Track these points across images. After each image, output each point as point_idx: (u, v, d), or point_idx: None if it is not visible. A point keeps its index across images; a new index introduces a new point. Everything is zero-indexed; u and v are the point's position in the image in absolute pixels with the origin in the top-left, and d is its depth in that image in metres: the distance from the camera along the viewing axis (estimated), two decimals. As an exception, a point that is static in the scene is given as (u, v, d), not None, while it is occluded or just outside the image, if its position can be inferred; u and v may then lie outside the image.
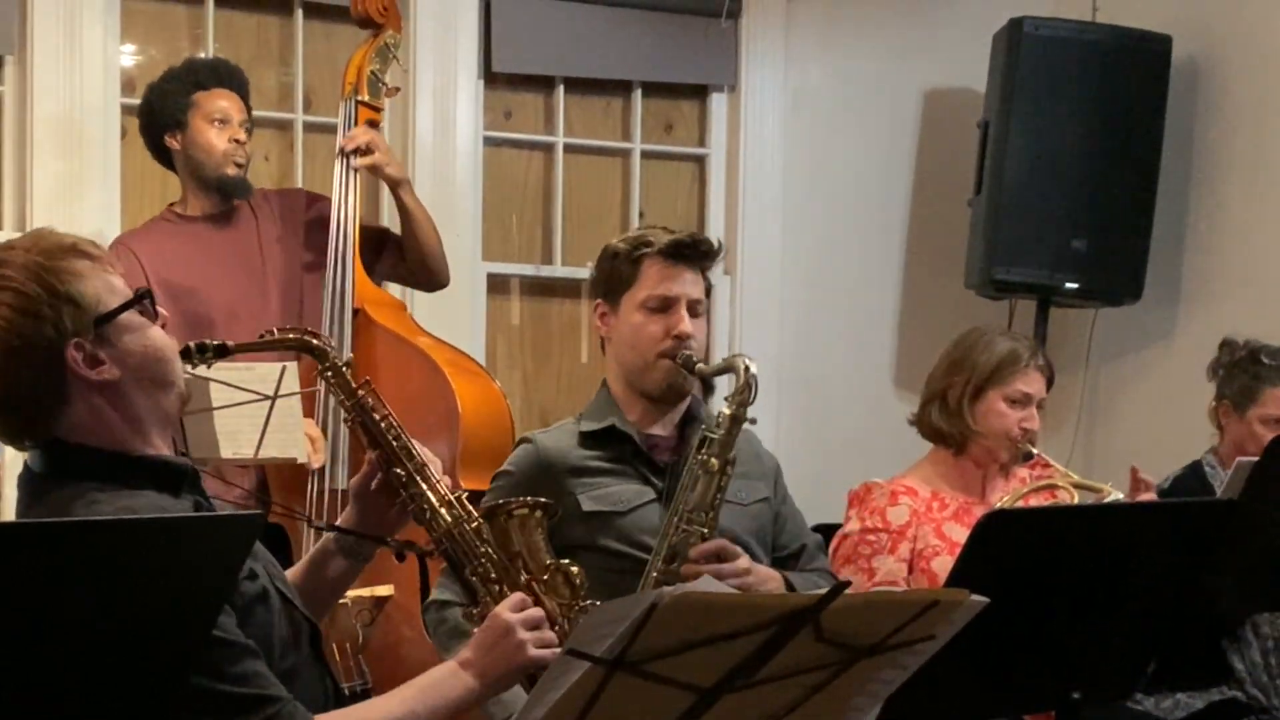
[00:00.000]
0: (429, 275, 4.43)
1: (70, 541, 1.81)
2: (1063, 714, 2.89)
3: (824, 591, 1.82)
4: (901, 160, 5.64)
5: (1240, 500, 2.91)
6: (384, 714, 2.30)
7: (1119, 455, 5.37)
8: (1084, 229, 5.18)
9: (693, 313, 3.13)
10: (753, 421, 3.05)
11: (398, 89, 4.43)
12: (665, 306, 3.12)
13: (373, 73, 4.28)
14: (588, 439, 3.17)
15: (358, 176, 4.20)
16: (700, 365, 3.14)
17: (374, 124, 4.28)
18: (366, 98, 4.27)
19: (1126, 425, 5.52)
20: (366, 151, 4.18)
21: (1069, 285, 5.22)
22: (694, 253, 3.15)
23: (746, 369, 3.02)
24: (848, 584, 1.84)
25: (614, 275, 3.18)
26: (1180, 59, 5.26)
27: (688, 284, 3.14)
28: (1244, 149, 5.25)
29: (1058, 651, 2.53)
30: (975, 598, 1.96)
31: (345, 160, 4.19)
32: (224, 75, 4.25)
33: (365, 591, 3.84)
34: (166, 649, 1.93)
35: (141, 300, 2.28)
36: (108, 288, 2.24)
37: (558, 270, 5.36)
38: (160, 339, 2.31)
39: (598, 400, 3.24)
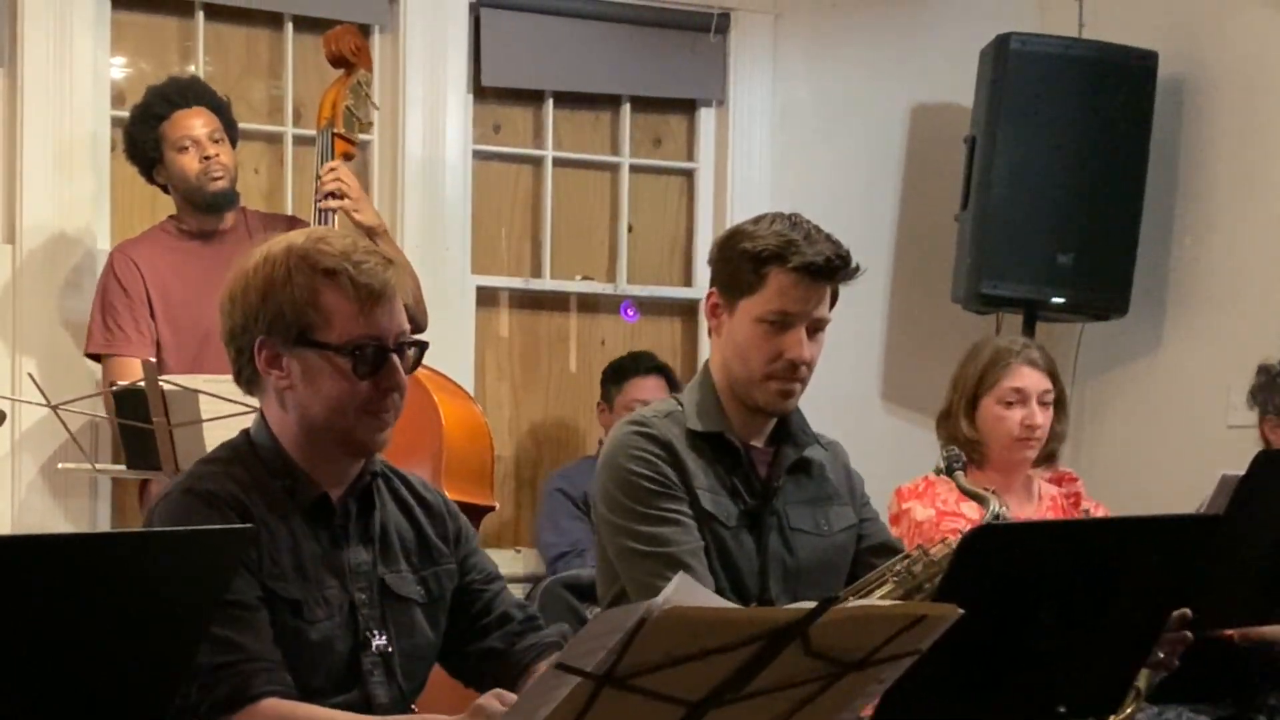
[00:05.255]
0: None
1: (63, 556, 1.83)
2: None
3: (813, 605, 1.82)
4: (889, 175, 5.66)
5: (1225, 515, 2.93)
6: None
7: (1106, 468, 5.39)
8: (1070, 243, 5.20)
9: (813, 330, 2.93)
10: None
11: (371, 124, 4.54)
12: (784, 324, 2.90)
13: (348, 108, 4.36)
14: (695, 438, 2.96)
15: (335, 215, 4.25)
16: (959, 474, 2.99)
17: (349, 156, 4.38)
18: (342, 130, 4.35)
19: (1113, 438, 5.53)
20: (339, 196, 4.23)
21: (1055, 300, 5.24)
22: (827, 273, 2.92)
23: (997, 515, 2.87)
24: (836, 598, 1.84)
25: (735, 276, 2.92)
26: (1166, 75, 5.28)
27: (812, 303, 2.91)
28: (1229, 164, 5.27)
29: (1043, 665, 2.54)
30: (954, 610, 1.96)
31: (319, 195, 4.27)
32: (175, 96, 4.31)
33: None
34: (156, 660, 1.93)
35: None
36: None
37: (546, 283, 5.36)
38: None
39: (703, 393, 2.99)
